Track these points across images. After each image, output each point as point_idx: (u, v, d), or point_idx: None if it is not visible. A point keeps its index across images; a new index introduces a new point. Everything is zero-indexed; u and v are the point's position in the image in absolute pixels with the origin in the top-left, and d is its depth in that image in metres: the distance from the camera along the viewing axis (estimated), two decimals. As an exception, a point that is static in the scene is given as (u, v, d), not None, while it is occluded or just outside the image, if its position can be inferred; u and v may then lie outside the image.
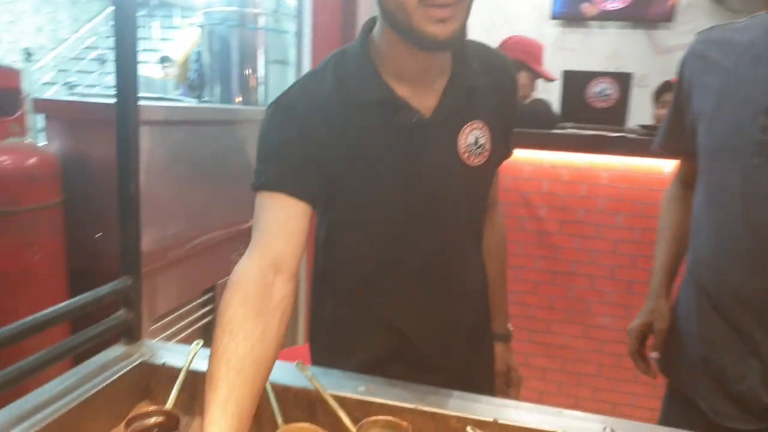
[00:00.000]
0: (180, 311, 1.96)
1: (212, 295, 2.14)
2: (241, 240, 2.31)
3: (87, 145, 1.69)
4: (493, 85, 1.12)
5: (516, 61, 2.72)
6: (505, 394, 1.38)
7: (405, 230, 1.08)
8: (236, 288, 0.86)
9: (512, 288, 2.70)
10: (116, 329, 1.13)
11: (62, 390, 0.98)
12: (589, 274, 2.69)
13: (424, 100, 1.04)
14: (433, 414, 0.94)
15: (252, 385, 0.79)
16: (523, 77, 2.77)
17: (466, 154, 1.06)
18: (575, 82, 3.30)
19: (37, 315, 0.97)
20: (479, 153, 1.08)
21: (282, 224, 0.95)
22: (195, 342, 1.07)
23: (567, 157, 2.65)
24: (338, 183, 1.04)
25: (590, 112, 3.22)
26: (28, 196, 1.45)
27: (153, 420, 0.91)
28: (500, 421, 0.91)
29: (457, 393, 1.00)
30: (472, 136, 1.07)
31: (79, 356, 1.08)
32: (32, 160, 1.49)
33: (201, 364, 1.07)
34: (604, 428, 0.92)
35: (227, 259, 2.23)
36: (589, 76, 3.30)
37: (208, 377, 0.79)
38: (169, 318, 1.93)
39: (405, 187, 1.04)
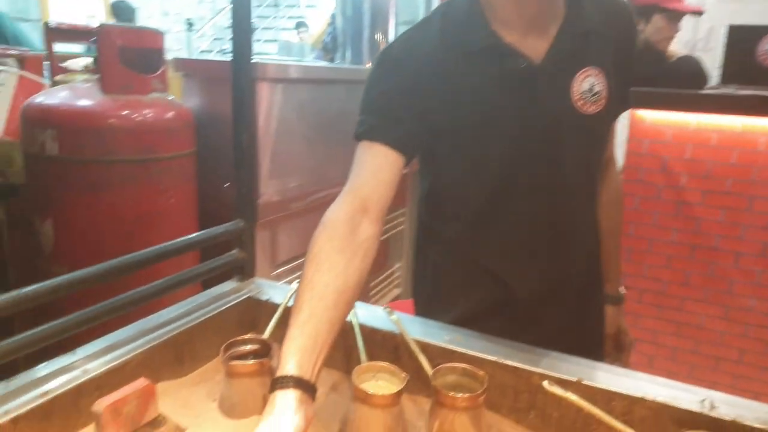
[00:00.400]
0: (300, 260, 2.07)
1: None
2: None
3: (217, 100, 1.84)
4: (610, 31, 1.05)
5: (645, 5, 2.49)
6: (615, 358, 1.32)
7: (513, 180, 1.05)
8: (325, 226, 0.92)
9: (644, 261, 2.56)
10: (230, 266, 1.23)
11: (180, 313, 1.10)
12: (734, 250, 2.45)
13: (535, 47, 1.00)
14: (515, 368, 0.92)
15: (331, 312, 0.83)
16: (657, 21, 2.51)
17: (580, 102, 1.02)
18: (743, 37, 2.93)
19: (162, 245, 1.09)
20: (594, 101, 1.03)
21: (374, 171, 0.98)
22: (295, 282, 1.13)
23: (717, 120, 2.41)
24: (443, 134, 1.04)
25: (760, 72, 2.86)
26: (166, 146, 1.60)
27: (249, 347, 0.98)
28: (584, 382, 0.88)
29: (544, 351, 0.97)
30: (587, 83, 1.02)
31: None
32: (170, 114, 1.64)
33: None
34: (703, 401, 0.85)
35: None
36: (761, 32, 2.91)
37: (293, 304, 0.85)
38: (290, 265, 2.05)
39: (514, 135, 1.02)
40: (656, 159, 2.50)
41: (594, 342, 1.25)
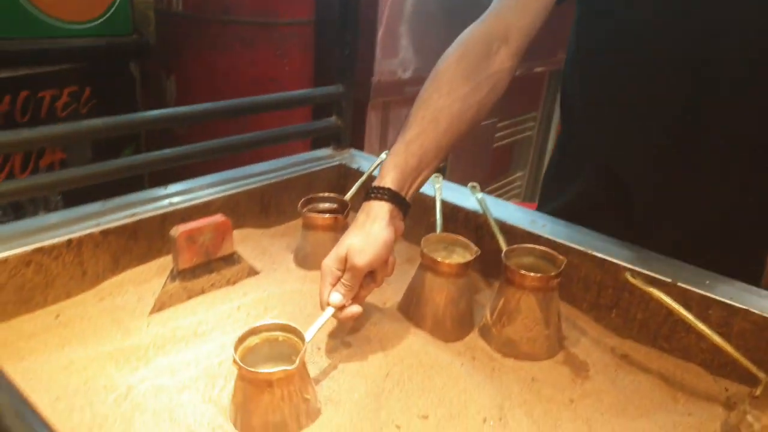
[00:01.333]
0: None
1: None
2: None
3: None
4: None
5: None
6: None
7: (661, 52, 0.85)
8: (458, 46, 0.85)
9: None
10: (326, 132, 1.22)
11: (272, 168, 1.12)
12: None
13: None
14: (602, 261, 0.84)
15: (440, 137, 0.79)
16: None
17: None
18: None
19: (265, 96, 1.10)
20: None
21: None
22: (384, 152, 1.10)
23: None
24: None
25: None
26: (285, 12, 1.59)
27: (327, 204, 0.98)
28: (680, 284, 0.78)
29: (638, 248, 0.87)
30: None
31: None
32: (289, -20, 1.62)
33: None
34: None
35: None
36: None
37: (407, 117, 0.81)
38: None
39: (672, 10, 0.82)
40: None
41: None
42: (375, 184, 0.78)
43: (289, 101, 1.14)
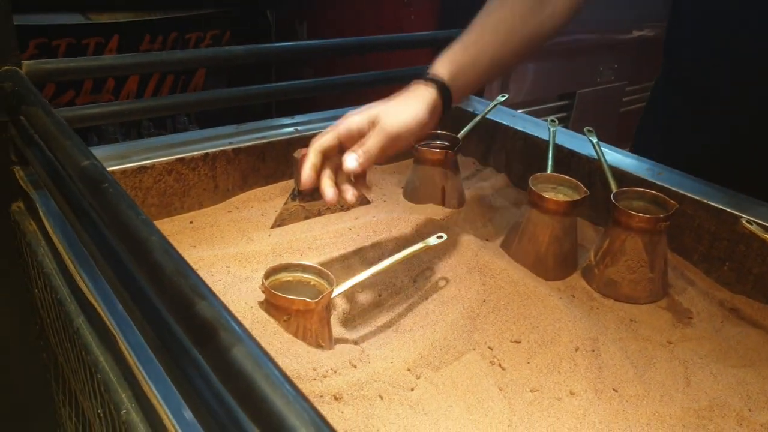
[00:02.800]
0: (531, 107, 2.01)
1: (569, 103, 2.11)
2: (612, 53, 2.17)
3: None
4: None
5: None
6: None
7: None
8: None
9: None
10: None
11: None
12: None
13: None
14: (719, 210, 0.81)
15: (498, 47, 0.79)
16: None
17: None
18: None
19: (385, 36, 1.14)
20: None
21: None
22: (500, 95, 1.11)
23: None
24: None
25: None
26: (415, -40, 1.62)
27: (440, 141, 1.01)
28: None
29: (760, 202, 0.83)
30: None
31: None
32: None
33: (498, 116, 1.13)
34: None
35: (593, 70, 2.14)
36: None
37: (467, 27, 0.80)
38: (521, 111, 1.99)
39: None
40: None
41: None
42: (429, 70, 0.76)
43: (411, 41, 1.18)
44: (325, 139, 0.68)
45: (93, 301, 0.56)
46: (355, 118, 0.68)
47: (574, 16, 0.84)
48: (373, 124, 0.68)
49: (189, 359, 0.39)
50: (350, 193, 0.70)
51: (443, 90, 0.74)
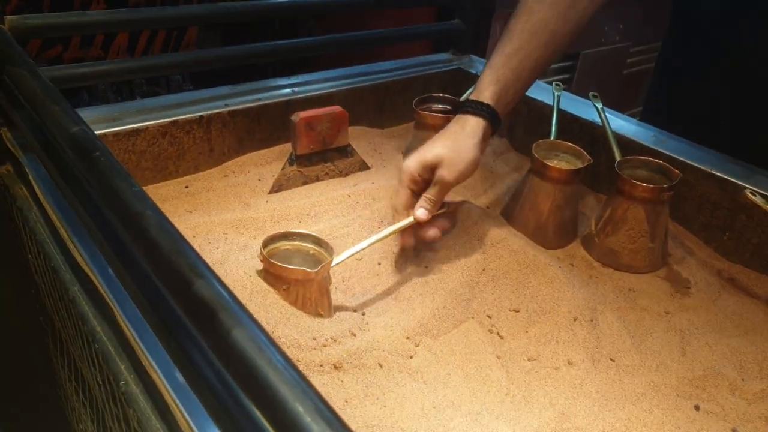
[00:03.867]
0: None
1: (572, 64, 2.08)
2: (618, 13, 2.12)
3: None
4: None
5: None
6: None
7: None
8: None
9: None
10: (448, 35, 1.21)
11: (390, 67, 1.14)
12: None
13: None
14: (721, 180, 0.80)
15: (541, 52, 0.77)
16: None
17: None
18: None
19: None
20: None
21: None
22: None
23: None
24: None
25: None
26: None
27: (441, 105, 0.99)
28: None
29: (766, 171, 0.82)
30: None
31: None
32: None
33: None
34: None
35: (598, 30, 2.09)
36: None
37: (505, 29, 0.79)
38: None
39: None
40: None
41: None
42: (472, 97, 0.76)
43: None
44: (402, 201, 0.74)
45: (88, 272, 0.55)
46: (414, 168, 0.73)
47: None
48: (430, 171, 0.73)
49: (189, 337, 0.39)
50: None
51: (492, 117, 0.75)
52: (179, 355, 0.40)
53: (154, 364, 0.45)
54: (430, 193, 0.73)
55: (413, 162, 0.73)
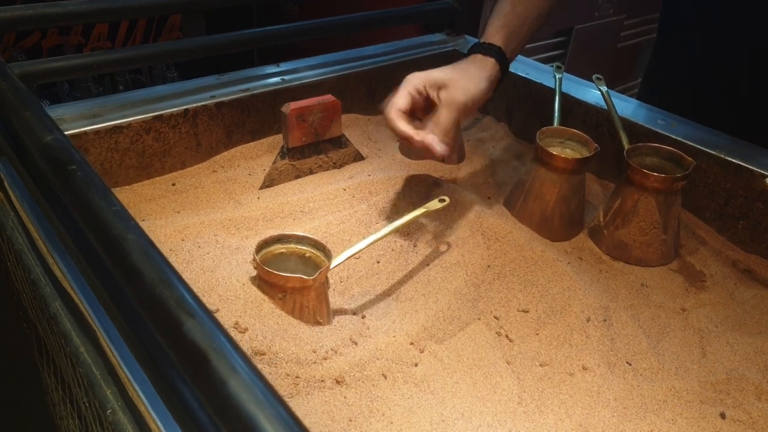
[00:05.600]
0: (528, 44, 1.91)
1: (566, 39, 2.02)
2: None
3: None
4: None
5: None
6: None
7: None
8: None
9: None
10: (441, 15, 1.16)
11: (381, 51, 1.09)
12: None
13: None
14: (736, 167, 0.76)
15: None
16: None
17: None
18: None
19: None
20: None
21: None
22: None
23: None
24: None
25: None
26: None
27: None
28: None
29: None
30: None
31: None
32: None
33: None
34: None
35: (592, 3, 2.04)
36: None
37: None
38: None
39: None
40: None
41: None
42: (483, 39, 0.74)
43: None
44: (401, 101, 0.67)
45: (70, 291, 0.50)
46: (419, 81, 0.67)
47: None
48: (439, 91, 0.67)
49: (179, 377, 0.35)
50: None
51: (501, 57, 0.73)
52: (169, 395, 0.36)
53: (141, 395, 0.42)
54: (440, 117, 0.67)
55: (418, 75, 0.68)
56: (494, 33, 0.74)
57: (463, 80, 0.68)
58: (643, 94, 1.04)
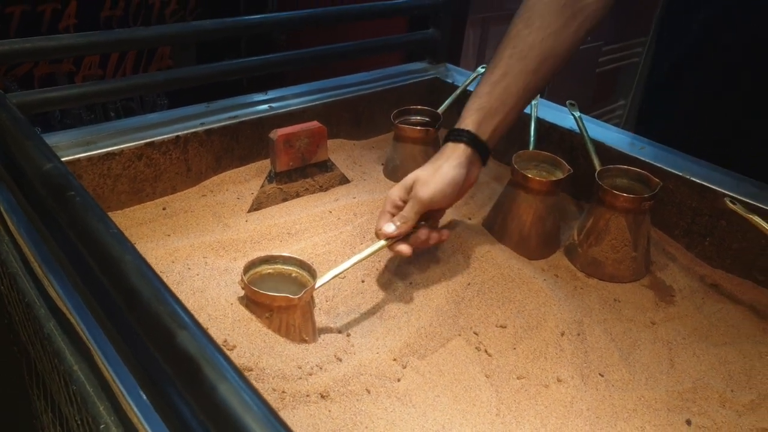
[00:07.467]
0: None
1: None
2: None
3: None
4: None
5: None
6: None
7: None
8: None
9: None
10: (423, 45, 1.21)
11: (365, 80, 1.14)
12: None
13: None
14: (701, 187, 0.80)
15: (529, 77, 0.74)
16: None
17: None
18: None
19: (357, 5, 1.10)
20: None
21: None
22: (481, 66, 1.08)
23: None
24: None
25: None
26: None
27: (420, 117, 0.98)
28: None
29: (745, 177, 0.82)
30: None
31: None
32: None
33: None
34: None
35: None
36: None
37: (492, 58, 0.78)
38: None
39: None
40: None
41: None
42: (456, 125, 0.75)
43: (385, 10, 1.13)
44: (388, 229, 0.73)
45: (65, 310, 0.53)
46: (395, 193, 0.74)
47: (607, 15, 0.78)
48: (409, 192, 0.73)
49: (172, 386, 0.37)
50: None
51: (474, 142, 0.74)
52: (162, 404, 0.39)
53: (135, 408, 0.44)
54: (404, 210, 0.73)
55: (394, 188, 0.75)
56: (466, 117, 0.75)
57: (430, 177, 0.72)
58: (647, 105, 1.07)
